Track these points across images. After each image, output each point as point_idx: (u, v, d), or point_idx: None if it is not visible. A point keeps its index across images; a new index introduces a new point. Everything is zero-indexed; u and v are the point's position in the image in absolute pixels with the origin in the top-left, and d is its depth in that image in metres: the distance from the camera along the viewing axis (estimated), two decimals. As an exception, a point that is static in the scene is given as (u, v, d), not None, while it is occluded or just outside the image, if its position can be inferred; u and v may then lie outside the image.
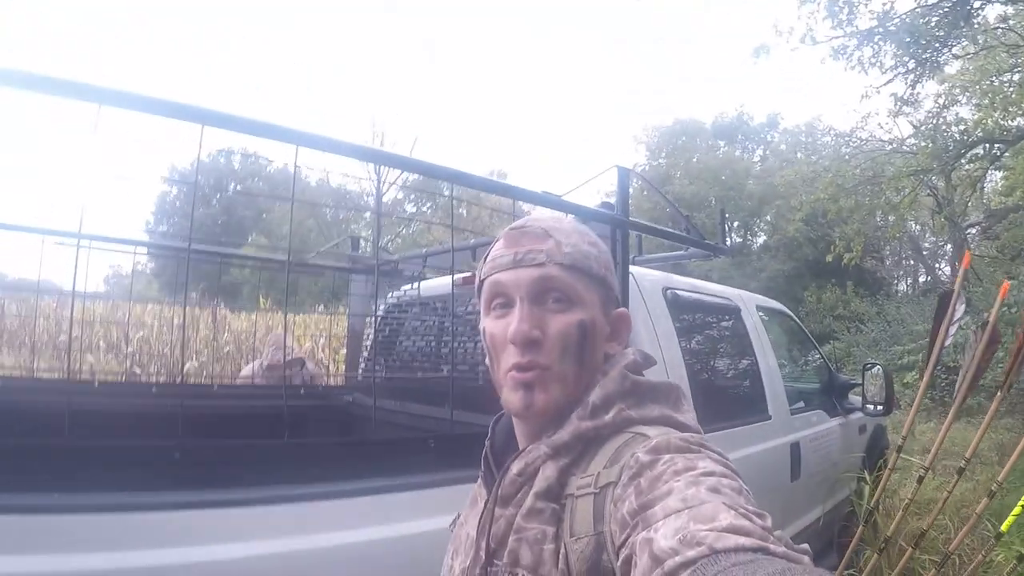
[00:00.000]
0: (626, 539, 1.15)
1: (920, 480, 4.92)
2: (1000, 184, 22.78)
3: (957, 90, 19.76)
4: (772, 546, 0.96)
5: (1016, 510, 4.23)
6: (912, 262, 37.92)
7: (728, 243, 5.01)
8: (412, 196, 42.99)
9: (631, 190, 3.68)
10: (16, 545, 1.73)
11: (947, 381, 13.87)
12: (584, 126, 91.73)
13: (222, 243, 21.17)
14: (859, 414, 6.34)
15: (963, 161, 19.27)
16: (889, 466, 5.17)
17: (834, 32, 15.89)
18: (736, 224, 41.45)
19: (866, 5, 15.18)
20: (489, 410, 1.71)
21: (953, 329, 4.94)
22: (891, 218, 22.98)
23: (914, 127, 21.28)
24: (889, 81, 16.77)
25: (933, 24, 14.67)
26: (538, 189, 3.15)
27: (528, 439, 1.52)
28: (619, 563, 1.15)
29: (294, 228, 3.62)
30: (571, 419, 1.42)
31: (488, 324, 1.51)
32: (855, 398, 6.44)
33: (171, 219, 53.11)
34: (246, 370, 7.07)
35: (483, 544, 1.43)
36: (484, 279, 1.53)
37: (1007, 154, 18.57)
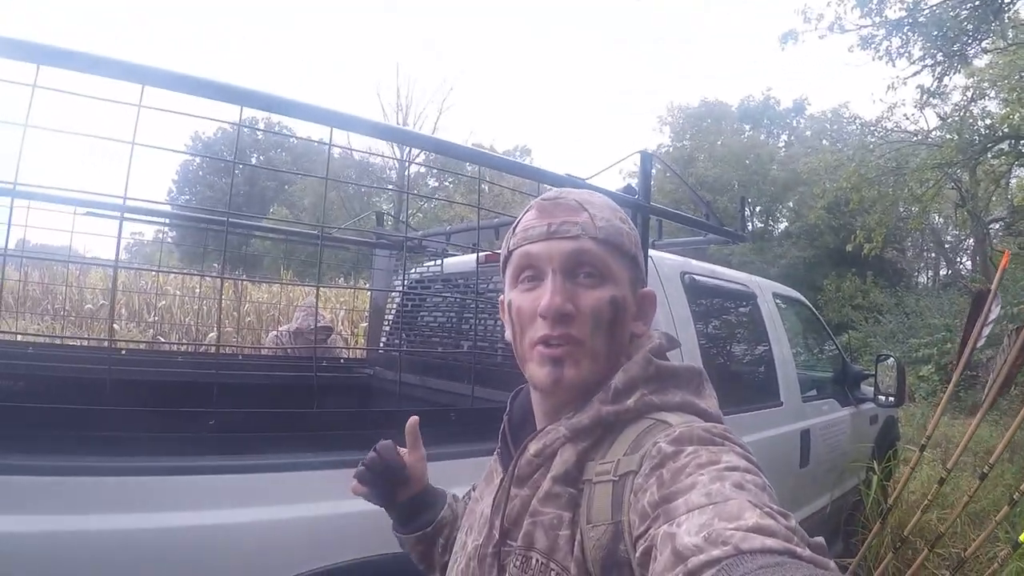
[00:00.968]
0: (646, 531, 1.12)
1: (941, 482, 4.92)
2: (1024, 180, 22.60)
3: (985, 84, 19.53)
4: (798, 549, 0.94)
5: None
6: (933, 255, 37.69)
7: (748, 229, 5.04)
8: (434, 171, 42.94)
9: (654, 171, 3.72)
10: (58, 505, 1.82)
11: (964, 376, 13.85)
12: (610, 104, 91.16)
13: (244, 214, 21.29)
14: (871, 404, 6.38)
15: (988, 156, 19.10)
16: (910, 464, 5.19)
17: (863, 21, 15.78)
18: (758, 209, 41.25)
19: (897, -5, 15.06)
20: (506, 387, 1.73)
21: (987, 330, 4.91)
22: (914, 209, 22.80)
23: (940, 119, 21.07)
24: (916, 72, 16.63)
25: (963, 17, 14.53)
26: (562, 170, 3.20)
27: (547, 418, 1.49)
28: (637, 555, 1.13)
29: (317, 201, 3.68)
30: (592, 403, 1.40)
31: (515, 297, 1.47)
32: (868, 388, 6.47)
33: (194, 188, 53.27)
34: (273, 334, 7.19)
35: (497, 523, 1.42)
36: (512, 250, 1.50)
37: (1033, 151, 18.41)
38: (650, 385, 1.42)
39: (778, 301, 5.52)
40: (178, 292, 13.04)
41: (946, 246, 34.82)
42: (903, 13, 15.08)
